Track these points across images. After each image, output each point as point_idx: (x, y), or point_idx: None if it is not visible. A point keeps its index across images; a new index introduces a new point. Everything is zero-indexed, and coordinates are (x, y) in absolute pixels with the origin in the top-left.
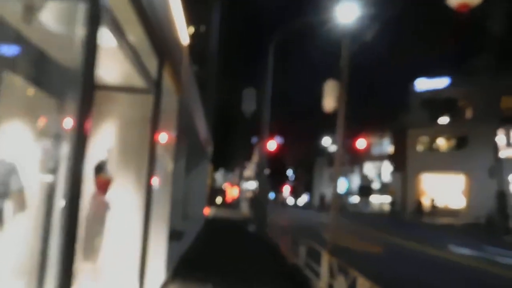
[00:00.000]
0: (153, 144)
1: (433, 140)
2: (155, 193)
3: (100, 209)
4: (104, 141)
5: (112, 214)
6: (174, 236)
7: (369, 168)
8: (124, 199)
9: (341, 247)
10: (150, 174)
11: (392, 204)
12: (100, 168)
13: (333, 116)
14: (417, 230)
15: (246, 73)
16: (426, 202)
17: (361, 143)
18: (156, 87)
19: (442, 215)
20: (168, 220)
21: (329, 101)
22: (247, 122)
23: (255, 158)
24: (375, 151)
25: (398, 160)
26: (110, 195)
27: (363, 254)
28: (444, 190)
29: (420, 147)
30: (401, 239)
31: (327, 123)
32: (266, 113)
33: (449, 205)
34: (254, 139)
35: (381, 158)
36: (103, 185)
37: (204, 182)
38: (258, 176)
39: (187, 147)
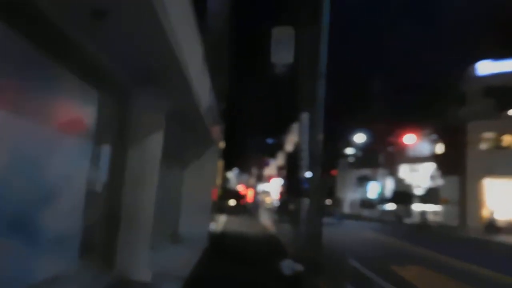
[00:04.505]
0: None
1: (500, 137)
2: None
3: None
4: None
5: None
6: None
7: (405, 171)
8: None
9: None
10: None
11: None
12: None
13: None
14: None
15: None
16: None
17: (409, 139)
18: None
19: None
20: None
21: None
22: (274, 94)
23: (289, 146)
24: (414, 151)
25: (450, 161)
26: None
27: None
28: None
29: (483, 145)
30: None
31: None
32: (321, 62)
33: None
34: (270, 140)
35: (421, 159)
36: None
37: (210, 183)
38: (311, 172)
39: (171, 122)
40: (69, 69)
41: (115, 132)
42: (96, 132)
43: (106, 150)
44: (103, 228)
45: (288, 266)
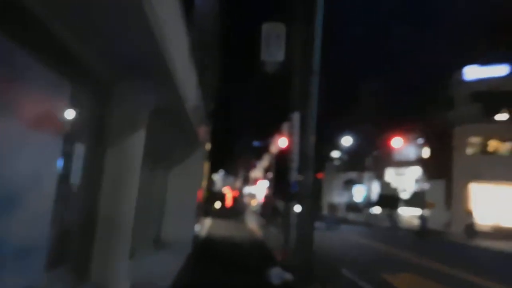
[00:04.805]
0: None
1: (486, 142)
2: None
3: None
4: None
5: None
6: None
7: (391, 175)
8: None
9: None
10: None
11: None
12: None
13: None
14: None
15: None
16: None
17: (396, 142)
18: None
19: (496, 237)
20: None
21: None
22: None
23: (277, 147)
24: (400, 155)
25: (436, 165)
26: None
27: None
28: (498, 205)
29: (469, 150)
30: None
31: (346, 119)
32: (314, 57)
33: (502, 223)
34: (256, 143)
35: (408, 163)
36: None
37: (195, 185)
38: (301, 174)
39: (154, 118)
40: (37, 56)
41: (92, 129)
42: (70, 129)
43: (81, 149)
44: (77, 236)
45: (277, 274)
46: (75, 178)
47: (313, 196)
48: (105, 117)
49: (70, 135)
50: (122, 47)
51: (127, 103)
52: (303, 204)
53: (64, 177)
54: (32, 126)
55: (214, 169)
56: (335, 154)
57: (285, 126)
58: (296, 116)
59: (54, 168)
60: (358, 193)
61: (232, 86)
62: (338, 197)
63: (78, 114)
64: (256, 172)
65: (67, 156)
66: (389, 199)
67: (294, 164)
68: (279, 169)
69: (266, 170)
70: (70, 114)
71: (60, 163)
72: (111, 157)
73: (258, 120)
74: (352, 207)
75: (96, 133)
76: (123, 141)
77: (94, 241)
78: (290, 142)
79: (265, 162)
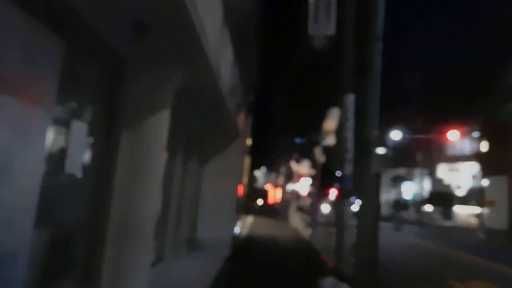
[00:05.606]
0: None
1: None
2: None
3: None
4: None
5: None
6: None
7: (443, 171)
8: None
9: None
10: None
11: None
12: None
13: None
14: None
15: None
16: None
17: (453, 135)
18: None
19: None
20: None
21: None
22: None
23: (327, 138)
24: (453, 149)
25: (497, 160)
26: None
27: None
28: None
29: None
30: None
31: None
32: (377, 20)
33: None
34: (298, 139)
35: (461, 158)
36: None
37: (235, 181)
38: (359, 167)
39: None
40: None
41: (100, 108)
42: (67, 106)
43: (83, 132)
44: (82, 239)
45: (331, 286)
46: (76, 168)
47: (377, 192)
48: (119, 95)
49: (66, 113)
50: (139, 6)
51: (146, 78)
52: (364, 201)
53: (56, 166)
54: (9, 96)
55: (256, 165)
56: (381, 149)
57: (333, 112)
58: (350, 98)
59: (37, 155)
60: (408, 190)
61: (274, 78)
62: (386, 194)
63: (79, 87)
64: (301, 168)
65: (64, 140)
66: (442, 196)
67: (349, 154)
68: (329, 162)
69: (314, 165)
70: (66, 86)
71: (50, 148)
72: (127, 144)
73: (303, 112)
74: (401, 204)
75: (106, 113)
76: (141, 124)
77: (105, 245)
78: (343, 129)
79: (317, 155)
